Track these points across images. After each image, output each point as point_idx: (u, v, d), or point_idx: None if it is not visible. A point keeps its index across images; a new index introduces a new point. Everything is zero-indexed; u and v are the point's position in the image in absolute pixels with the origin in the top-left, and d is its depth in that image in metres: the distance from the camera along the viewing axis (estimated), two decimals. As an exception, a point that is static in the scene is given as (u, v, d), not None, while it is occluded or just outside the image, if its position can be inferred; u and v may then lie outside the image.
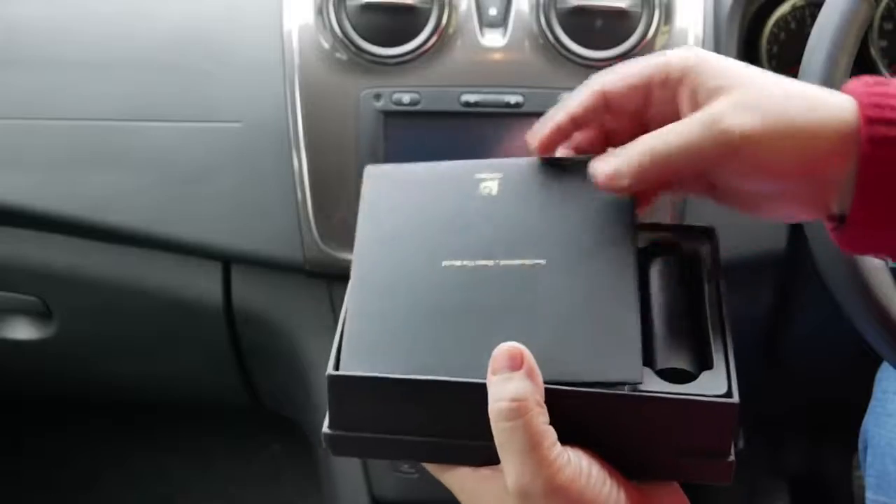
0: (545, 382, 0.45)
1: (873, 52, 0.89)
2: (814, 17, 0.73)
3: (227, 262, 0.95)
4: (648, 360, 0.48)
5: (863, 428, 0.85)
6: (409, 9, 0.84)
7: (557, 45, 0.84)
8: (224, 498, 1.38)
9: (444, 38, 0.85)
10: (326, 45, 0.86)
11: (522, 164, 0.53)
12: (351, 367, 0.47)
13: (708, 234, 0.55)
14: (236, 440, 1.41)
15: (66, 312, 1.02)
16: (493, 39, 0.86)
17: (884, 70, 0.89)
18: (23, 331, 1.05)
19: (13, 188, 0.91)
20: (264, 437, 1.40)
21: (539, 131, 0.52)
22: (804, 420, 1.29)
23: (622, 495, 0.45)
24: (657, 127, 0.50)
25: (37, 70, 0.92)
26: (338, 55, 0.86)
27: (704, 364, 0.48)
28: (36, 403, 1.38)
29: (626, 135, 0.51)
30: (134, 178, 0.90)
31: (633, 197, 0.51)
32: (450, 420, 0.46)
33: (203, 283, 0.95)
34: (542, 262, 0.49)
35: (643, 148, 0.48)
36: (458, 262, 0.49)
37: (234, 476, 1.39)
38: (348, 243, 0.87)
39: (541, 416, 0.44)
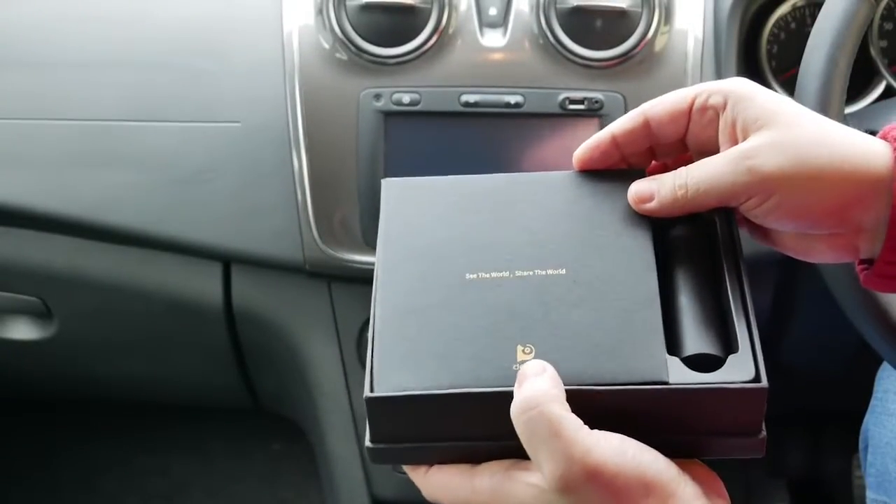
0: (574, 386, 0.45)
1: (873, 52, 0.89)
2: (814, 17, 0.73)
3: (227, 262, 0.95)
4: (674, 346, 0.48)
5: (863, 427, 0.85)
6: (409, 9, 0.84)
7: (557, 45, 0.84)
8: (224, 497, 1.38)
9: (444, 38, 0.85)
10: (326, 46, 0.86)
11: (546, 178, 0.54)
12: (384, 386, 0.47)
13: None
14: (236, 440, 1.41)
15: (66, 312, 1.02)
16: (493, 39, 0.86)
17: (884, 70, 0.89)
18: (23, 331, 1.05)
19: (14, 188, 0.91)
20: (264, 437, 1.40)
21: (581, 149, 0.54)
22: (804, 420, 1.29)
23: (662, 460, 0.45)
24: (696, 149, 0.53)
25: (37, 70, 0.92)
26: (338, 55, 0.86)
27: (729, 345, 0.48)
28: (36, 403, 1.38)
29: (669, 151, 0.54)
30: (134, 178, 0.90)
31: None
32: (484, 425, 0.47)
33: (203, 283, 0.95)
34: (563, 271, 0.50)
35: (678, 179, 0.50)
36: (481, 275, 0.50)
37: (234, 475, 1.39)
38: (348, 243, 0.88)
39: (557, 404, 0.44)
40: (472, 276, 0.50)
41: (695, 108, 0.51)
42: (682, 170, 0.51)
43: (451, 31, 0.85)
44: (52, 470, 1.39)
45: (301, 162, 0.86)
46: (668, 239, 0.53)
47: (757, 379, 0.46)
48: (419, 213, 0.53)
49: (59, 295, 1.01)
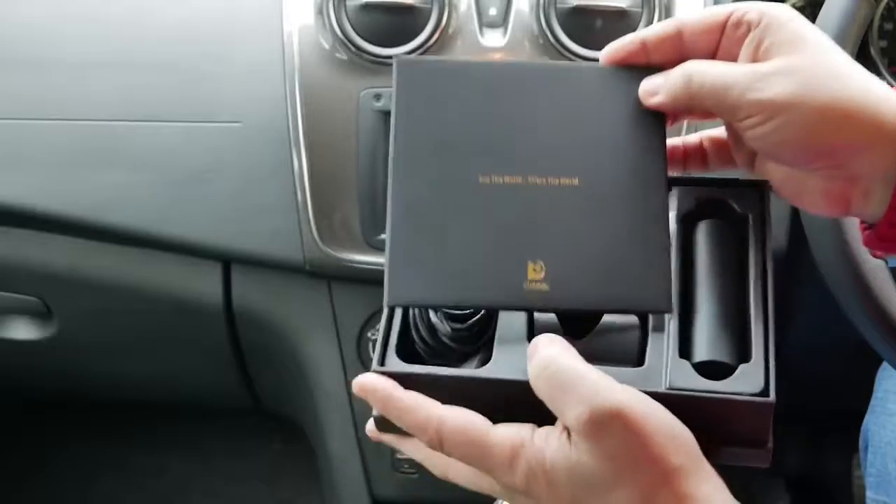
0: (579, 310, 0.46)
1: (873, 52, 0.89)
2: (814, 18, 0.72)
3: (228, 262, 0.95)
4: (687, 349, 0.48)
5: (863, 427, 0.85)
6: (409, 9, 0.84)
7: (557, 45, 0.84)
8: (224, 497, 1.38)
9: (444, 38, 0.85)
10: (326, 46, 0.86)
11: (569, 69, 0.52)
12: (397, 297, 0.47)
13: (759, 187, 0.53)
14: (236, 440, 1.41)
15: (66, 312, 1.02)
16: (493, 39, 0.86)
17: (884, 70, 0.89)
18: (23, 331, 1.05)
19: (14, 188, 0.91)
20: (264, 437, 1.40)
21: (609, 48, 0.52)
22: (804, 420, 1.29)
23: (683, 426, 0.44)
24: None
25: (37, 70, 0.92)
26: (338, 55, 0.85)
27: (744, 351, 0.48)
28: (36, 403, 1.38)
29: None
30: (134, 178, 0.90)
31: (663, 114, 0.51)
32: (490, 406, 0.47)
33: (203, 283, 0.95)
34: (576, 181, 0.49)
35: (684, 70, 0.49)
36: (494, 178, 0.49)
37: (234, 475, 1.39)
38: (348, 243, 0.88)
39: (573, 357, 0.44)
40: (485, 179, 0.49)
41: (730, 21, 0.50)
42: (691, 64, 0.49)
43: (451, 31, 0.85)
44: (51, 470, 1.39)
45: (301, 162, 0.86)
46: (697, 234, 0.52)
47: (765, 392, 0.46)
48: (433, 101, 0.50)
49: (59, 295, 1.01)
